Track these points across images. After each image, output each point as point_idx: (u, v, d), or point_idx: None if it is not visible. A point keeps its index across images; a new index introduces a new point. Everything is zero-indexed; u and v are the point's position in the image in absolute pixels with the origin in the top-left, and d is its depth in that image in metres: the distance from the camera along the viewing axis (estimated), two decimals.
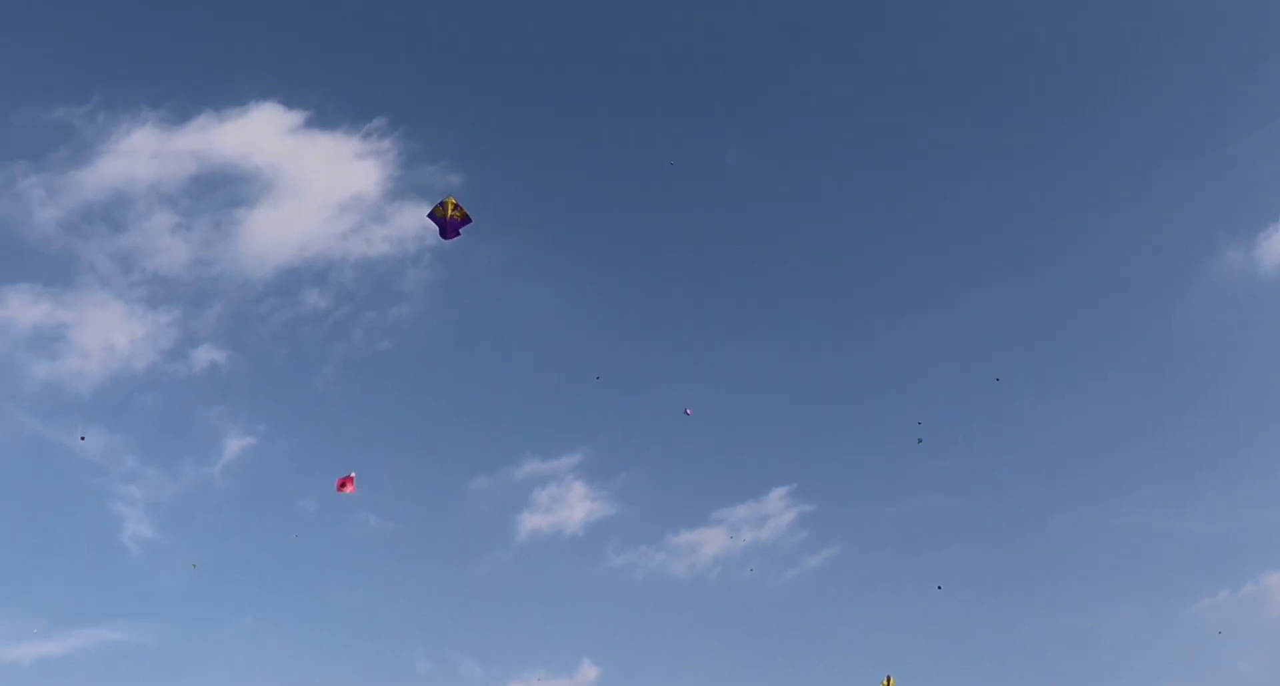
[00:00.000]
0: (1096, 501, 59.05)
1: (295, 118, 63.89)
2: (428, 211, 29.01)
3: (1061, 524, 58.68)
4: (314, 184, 63.26)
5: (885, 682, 36.19)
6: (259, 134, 63.05)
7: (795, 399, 67.10)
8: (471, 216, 28.82)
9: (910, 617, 56.36)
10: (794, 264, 70.57)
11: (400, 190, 65.15)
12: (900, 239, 70.66)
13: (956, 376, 64.71)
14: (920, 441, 51.45)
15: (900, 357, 66.38)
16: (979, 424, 62.40)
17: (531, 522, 59.58)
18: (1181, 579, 54.66)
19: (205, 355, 60.76)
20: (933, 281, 68.95)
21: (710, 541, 57.90)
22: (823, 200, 71.95)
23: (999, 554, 58.89)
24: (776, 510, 58.54)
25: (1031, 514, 59.71)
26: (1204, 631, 51.76)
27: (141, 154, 61.98)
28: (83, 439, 52.46)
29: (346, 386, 64.52)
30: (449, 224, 28.84)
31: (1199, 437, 59.78)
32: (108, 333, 60.27)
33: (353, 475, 36.54)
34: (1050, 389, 63.55)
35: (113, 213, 61.98)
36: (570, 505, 59.47)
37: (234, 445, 60.18)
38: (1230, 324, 62.73)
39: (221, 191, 63.59)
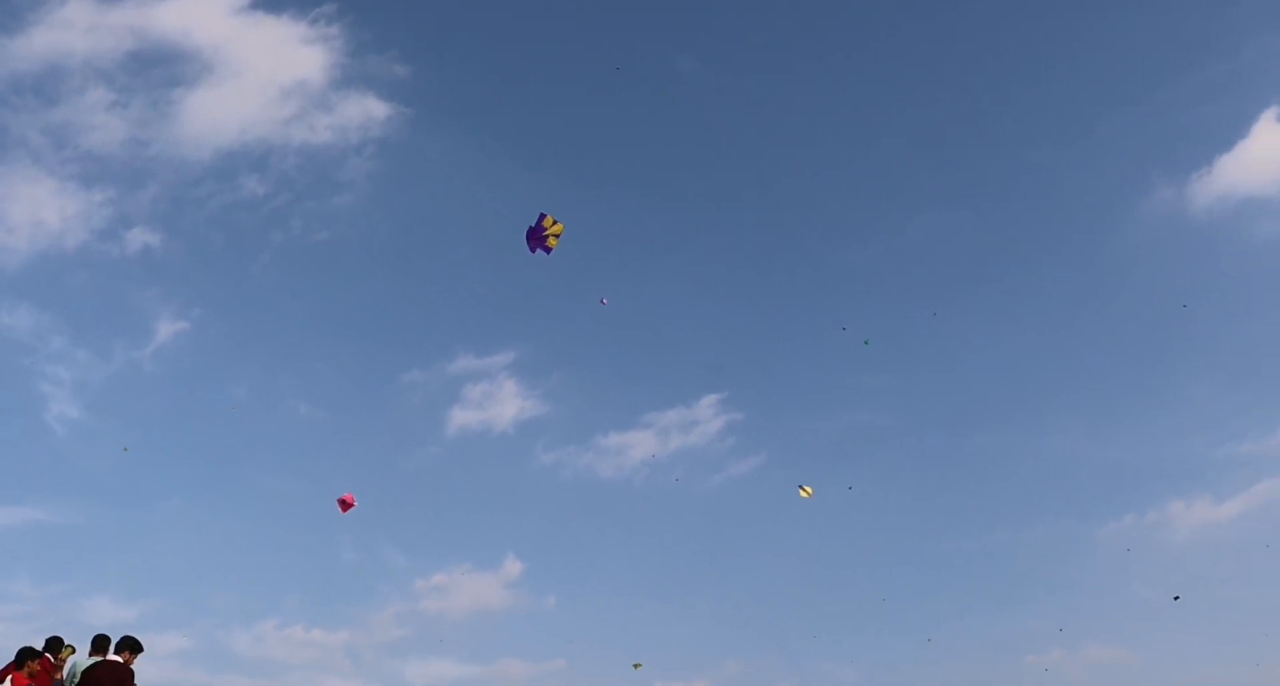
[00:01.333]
0: (1018, 425, 60.90)
1: None
2: (539, 217, 29.66)
3: (984, 445, 60.46)
4: (257, 67, 61.44)
5: (804, 490, 36.90)
6: (201, 12, 60.83)
7: (733, 308, 67.81)
8: (552, 251, 29.77)
9: (832, 528, 57.97)
10: (741, 176, 70.64)
11: (346, 78, 63.67)
12: (850, 158, 70.97)
13: (895, 297, 65.80)
14: (867, 342, 52.21)
15: (842, 275, 67.23)
16: (912, 345, 63.64)
17: (462, 418, 59.89)
18: (1092, 503, 56.89)
19: (139, 237, 59.72)
20: (879, 202, 69.58)
21: (639, 444, 58.68)
22: (774, 116, 71.74)
23: (922, 471, 60.64)
24: (706, 416, 59.33)
25: (956, 434, 61.48)
26: (1109, 553, 53.96)
27: (77, 26, 59.66)
28: None
29: (283, 275, 63.94)
30: (541, 239, 29.63)
31: (1119, 369, 61.66)
32: (37, 208, 58.79)
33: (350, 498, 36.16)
34: (983, 314, 64.92)
35: (45, 85, 59.94)
36: (501, 402, 59.76)
37: (166, 329, 59.57)
38: (1157, 261, 64.25)
39: (159, 70, 61.66)
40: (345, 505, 35.13)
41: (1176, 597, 44.34)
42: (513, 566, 55.45)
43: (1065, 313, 64.07)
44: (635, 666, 42.33)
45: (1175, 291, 62.88)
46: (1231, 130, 62.50)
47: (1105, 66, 67.35)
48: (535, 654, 55.14)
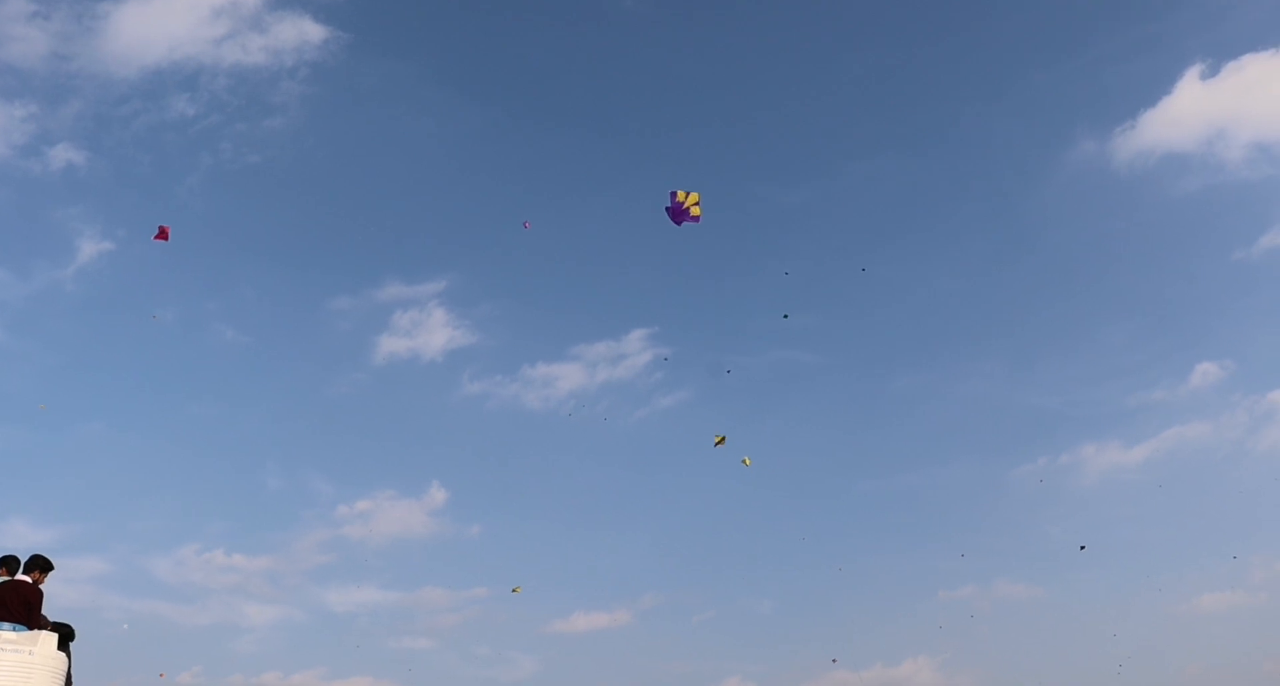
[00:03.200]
0: (939, 368, 62.52)
1: None
2: (673, 190, 30.70)
3: (905, 386, 62.09)
4: None
5: (719, 439, 37.84)
6: None
7: (666, 244, 68.32)
8: (700, 219, 30.59)
9: (754, 464, 59.06)
10: (679, 113, 70.52)
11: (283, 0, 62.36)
12: (787, 101, 71.17)
13: (826, 239, 66.69)
14: (786, 316, 53.21)
15: (775, 217, 67.83)
16: (841, 287, 64.77)
17: (390, 346, 59.81)
18: (1008, 445, 59.11)
19: (62, 154, 58.21)
20: (814, 147, 70.07)
21: (566, 376, 59.15)
22: (715, 56, 71.56)
23: (845, 410, 62.19)
24: (634, 350, 59.92)
25: (879, 375, 62.96)
26: (1022, 494, 56.14)
27: None
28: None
29: (212, 197, 62.81)
30: (684, 213, 30.47)
31: (1039, 316, 63.46)
32: None
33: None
34: (910, 259, 66.08)
35: None
36: (431, 331, 59.70)
37: (89, 249, 58.41)
38: (1079, 212, 65.78)
39: None
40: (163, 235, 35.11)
41: (1083, 547, 46.18)
42: (437, 494, 55.97)
43: (988, 260, 65.66)
44: (515, 590, 43.20)
45: (1095, 242, 64.57)
46: (1156, 86, 63.80)
47: (1037, 20, 68.10)
48: (457, 581, 55.96)
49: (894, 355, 64.32)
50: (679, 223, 30.62)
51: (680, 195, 30.40)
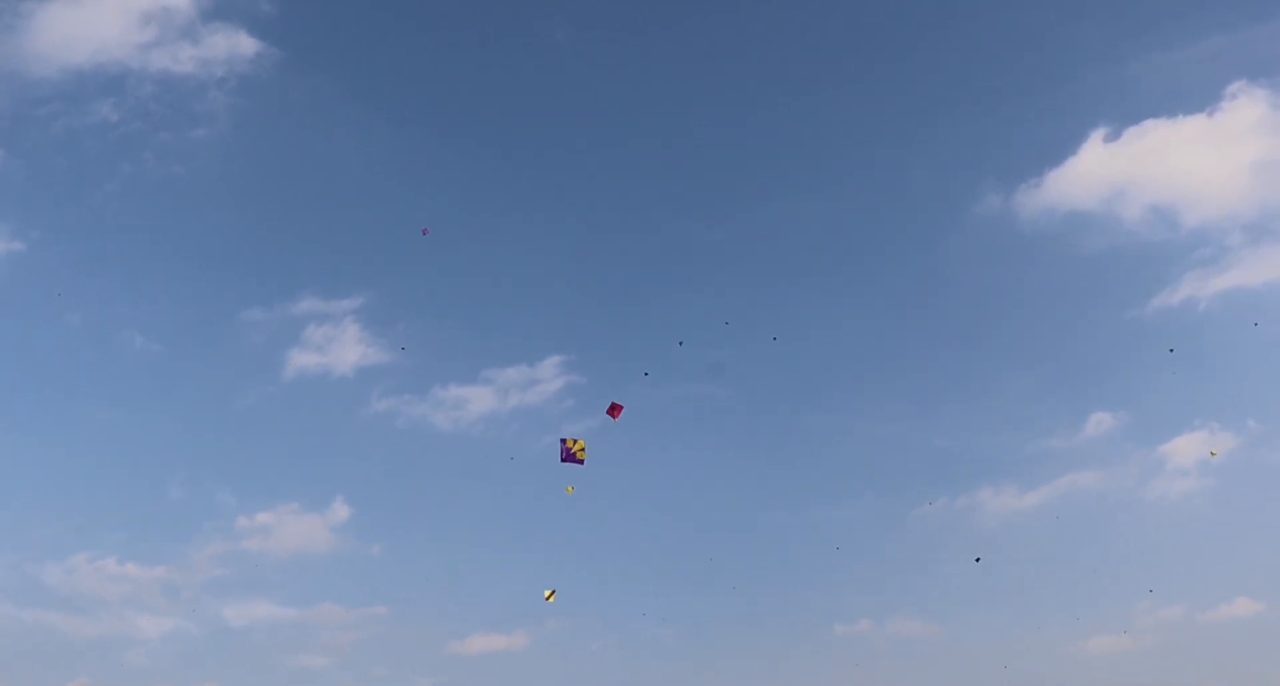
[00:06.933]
0: (846, 408, 63.83)
1: None
2: (562, 437, 34.44)
3: (814, 424, 63.25)
4: None
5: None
6: None
7: (587, 275, 69.32)
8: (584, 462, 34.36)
9: (659, 495, 59.71)
10: (605, 145, 72.03)
11: (217, 10, 62.40)
12: (711, 138, 73.01)
13: (741, 275, 68.05)
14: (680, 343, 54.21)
15: (693, 252, 69.28)
16: (754, 323, 65.97)
17: (301, 360, 59.52)
18: (910, 485, 60.58)
19: None
20: (736, 185, 71.85)
21: (477, 399, 59.32)
22: (642, 90, 73.41)
23: (754, 445, 63.00)
24: (547, 376, 60.35)
25: (788, 412, 64.03)
26: (921, 533, 57.18)
27: None
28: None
29: (130, 206, 62.40)
30: (572, 456, 33.87)
31: (943, 362, 65.30)
32: None
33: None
34: (822, 299, 67.63)
35: None
36: (344, 347, 59.66)
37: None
38: (984, 264, 68.27)
39: None
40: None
41: (978, 559, 47.56)
42: (341, 510, 55.57)
43: (897, 304, 67.49)
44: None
45: (998, 293, 66.72)
46: (1062, 147, 66.73)
47: (951, 75, 70.95)
48: (356, 599, 55.47)
49: (802, 393, 65.57)
50: (566, 461, 34.05)
51: (569, 442, 33.81)
